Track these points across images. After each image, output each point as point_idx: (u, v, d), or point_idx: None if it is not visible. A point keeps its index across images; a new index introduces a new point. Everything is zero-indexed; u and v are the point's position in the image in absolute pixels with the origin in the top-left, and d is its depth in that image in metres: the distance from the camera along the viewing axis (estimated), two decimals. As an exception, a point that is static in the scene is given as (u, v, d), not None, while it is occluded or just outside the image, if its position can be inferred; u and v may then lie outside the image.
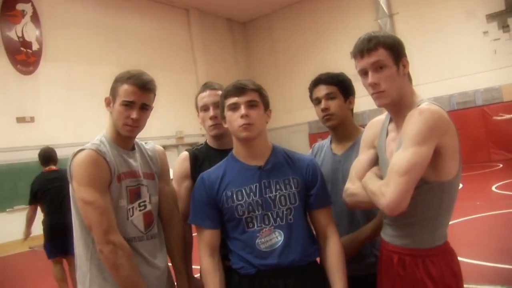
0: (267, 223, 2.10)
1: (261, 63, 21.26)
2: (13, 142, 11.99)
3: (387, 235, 2.12)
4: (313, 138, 17.37)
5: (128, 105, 2.19)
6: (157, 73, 16.67)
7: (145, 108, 2.25)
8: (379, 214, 2.34)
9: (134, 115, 2.19)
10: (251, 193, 2.12)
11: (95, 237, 2.09)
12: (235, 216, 2.12)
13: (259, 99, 2.17)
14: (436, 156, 1.84)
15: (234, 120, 2.12)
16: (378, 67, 1.92)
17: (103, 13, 15.42)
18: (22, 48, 12.99)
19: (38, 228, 6.02)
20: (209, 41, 19.53)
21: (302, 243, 2.11)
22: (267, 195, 2.12)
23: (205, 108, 2.60)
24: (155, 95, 2.32)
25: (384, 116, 2.20)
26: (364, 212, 2.42)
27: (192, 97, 2.60)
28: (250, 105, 2.12)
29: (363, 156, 2.21)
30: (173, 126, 16.89)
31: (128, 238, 2.20)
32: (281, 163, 2.21)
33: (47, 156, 5.97)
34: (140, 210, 2.29)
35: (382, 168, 2.08)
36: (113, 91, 2.24)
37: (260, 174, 2.15)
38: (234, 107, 2.12)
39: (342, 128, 2.55)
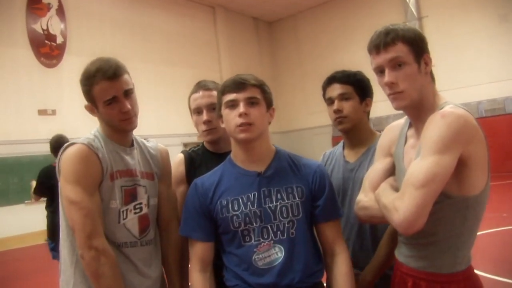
0: (266, 237, 1.86)
1: (286, 63, 21.10)
2: (34, 135, 12.02)
3: (402, 254, 1.87)
4: (336, 141, 17.03)
5: (112, 103, 1.98)
6: (181, 69, 16.81)
7: (128, 94, 2.02)
8: (388, 230, 2.10)
9: (124, 107, 1.98)
10: (249, 203, 1.89)
11: (77, 241, 1.89)
12: (230, 228, 1.89)
13: (261, 96, 1.93)
14: (461, 167, 1.59)
15: (232, 119, 1.89)
16: (396, 64, 1.69)
17: (129, 8, 15.41)
18: (46, 41, 13.04)
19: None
20: (234, 40, 19.43)
21: (304, 261, 1.86)
22: (267, 205, 1.88)
23: (198, 111, 2.38)
24: (128, 73, 2.06)
25: (403, 120, 1.96)
26: (373, 227, 2.20)
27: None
28: (250, 102, 1.89)
29: (378, 165, 1.97)
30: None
31: (118, 243, 2.02)
32: (284, 169, 1.97)
33: (57, 146, 5.52)
34: (135, 213, 2.08)
35: (399, 178, 1.83)
36: (89, 96, 2.02)
37: (259, 181, 1.92)
38: (232, 104, 1.89)
39: (355, 132, 2.33)
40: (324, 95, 2.38)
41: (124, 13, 15.20)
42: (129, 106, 1.99)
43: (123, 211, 2.04)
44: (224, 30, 19.08)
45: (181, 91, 15.61)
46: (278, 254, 1.84)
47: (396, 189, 1.78)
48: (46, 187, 5.61)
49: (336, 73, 2.34)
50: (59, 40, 13.33)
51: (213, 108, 2.25)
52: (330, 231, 1.96)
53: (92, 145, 1.97)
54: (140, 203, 2.10)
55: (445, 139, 1.56)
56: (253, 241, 1.86)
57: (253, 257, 1.85)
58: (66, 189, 1.91)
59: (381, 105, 2.40)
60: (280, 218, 1.87)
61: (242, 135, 1.87)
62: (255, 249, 1.85)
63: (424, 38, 1.75)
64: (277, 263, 1.83)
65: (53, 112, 12.81)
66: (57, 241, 5.59)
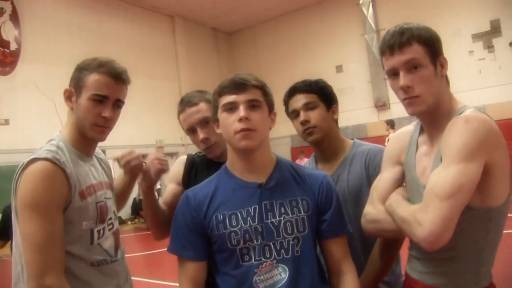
0: (268, 256, 1.66)
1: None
2: (-15, 145, 11.57)
3: (415, 271, 1.74)
4: (295, 152, 17.20)
5: (99, 100, 1.78)
6: (139, 79, 16.58)
7: (118, 105, 1.85)
8: (377, 244, 1.99)
9: (106, 113, 1.79)
10: (249, 218, 1.67)
11: (26, 279, 1.67)
12: (228, 246, 1.67)
13: (263, 99, 1.72)
14: (484, 176, 1.48)
15: (230, 124, 1.67)
16: (412, 66, 1.57)
17: (86, 16, 15.06)
18: (-1, 47, 12.56)
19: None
20: (193, 50, 19.28)
21: (311, 282, 1.68)
22: (269, 221, 1.68)
23: (192, 130, 2.20)
24: (127, 88, 1.91)
25: (412, 126, 1.84)
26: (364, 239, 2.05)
27: (174, 106, 2.31)
28: (252, 105, 1.68)
29: (387, 174, 1.83)
30: (153, 135, 16.49)
31: (96, 261, 1.82)
32: (287, 180, 1.77)
33: None
34: (109, 230, 1.91)
35: (410, 188, 1.72)
36: (77, 81, 1.81)
37: (260, 193, 1.71)
38: (231, 108, 1.68)
39: (327, 142, 2.21)
40: (286, 109, 2.26)
41: (81, 20, 14.83)
42: (111, 115, 1.82)
43: (98, 231, 1.84)
44: (183, 40, 18.92)
45: (139, 101, 15.53)
46: (281, 274, 1.65)
47: (408, 200, 1.69)
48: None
49: (297, 84, 2.23)
50: (13, 46, 12.83)
51: (207, 122, 2.13)
52: (337, 248, 1.77)
53: (58, 160, 1.70)
54: (111, 218, 1.94)
55: (470, 146, 1.45)
56: (253, 260, 1.66)
57: (254, 279, 1.64)
58: (21, 216, 1.67)
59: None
60: (284, 234, 1.67)
61: (242, 143, 1.65)
62: (256, 270, 1.65)
63: (439, 38, 1.65)
64: (280, 284, 1.64)
65: (6, 122, 12.24)
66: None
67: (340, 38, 17.93)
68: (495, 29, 15.02)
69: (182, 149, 16.52)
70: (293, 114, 2.23)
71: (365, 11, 17.27)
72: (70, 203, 1.73)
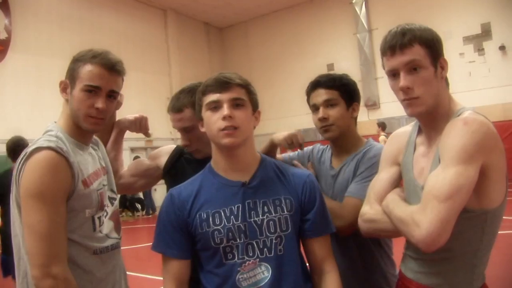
0: (251, 254, 1.68)
1: (236, 69, 20.28)
2: (-26, 135, 11.40)
3: (410, 270, 1.76)
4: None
5: (92, 91, 1.78)
6: (130, 72, 16.64)
7: (113, 96, 1.85)
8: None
9: (99, 104, 1.78)
10: (232, 216, 1.70)
11: (30, 269, 1.66)
12: (211, 245, 1.70)
13: (247, 97, 1.75)
14: (481, 178, 1.49)
15: (214, 122, 1.69)
16: (412, 67, 1.58)
17: (78, 5, 14.94)
18: (-12, 36, 12.41)
19: None
20: (184, 44, 19.21)
21: (294, 281, 1.70)
22: (252, 219, 1.70)
23: (179, 130, 2.24)
24: (123, 79, 1.92)
25: (410, 127, 1.86)
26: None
27: (164, 100, 2.33)
28: (235, 104, 1.70)
29: (384, 175, 1.84)
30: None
31: (101, 248, 1.83)
32: (271, 179, 1.79)
33: (15, 148, 4.76)
34: (105, 216, 1.91)
35: (407, 189, 1.73)
36: (72, 73, 1.81)
37: (244, 192, 1.73)
38: (215, 106, 1.70)
39: (342, 140, 2.21)
40: (308, 100, 2.26)
41: (73, 10, 14.71)
42: (104, 106, 1.80)
43: (99, 217, 1.85)
44: (175, 34, 18.85)
45: (129, 94, 15.28)
46: (264, 273, 1.67)
47: (405, 200, 1.69)
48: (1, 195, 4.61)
49: (321, 77, 2.21)
50: (3, 35, 12.70)
51: (188, 130, 2.16)
52: (320, 247, 1.79)
53: (61, 148, 1.70)
54: (106, 204, 1.94)
55: (469, 148, 1.46)
56: (236, 259, 1.68)
57: (237, 277, 1.67)
58: (25, 206, 1.66)
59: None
60: (267, 233, 1.69)
61: (225, 140, 1.67)
62: (238, 268, 1.67)
63: (440, 39, 1.66)
64: (263, 283, 1.66)
65: (-5, 112, 12.22)
66: (10, 253, 4.70)
67: (332, 37, 17.95)
68: (485, 32, 15.15)
69: (171, 143, 16.44)
70: (313, 108, 2.23)
71: (357, 10, 17.31)
72: (74, 191, 1.73)
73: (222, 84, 1.71)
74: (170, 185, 2.34)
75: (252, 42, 20.61)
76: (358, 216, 1.86)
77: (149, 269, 7.07)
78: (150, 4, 17.88)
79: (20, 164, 1.70)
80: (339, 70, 17.91)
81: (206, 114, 1.74)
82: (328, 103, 2.15)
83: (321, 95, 2.17)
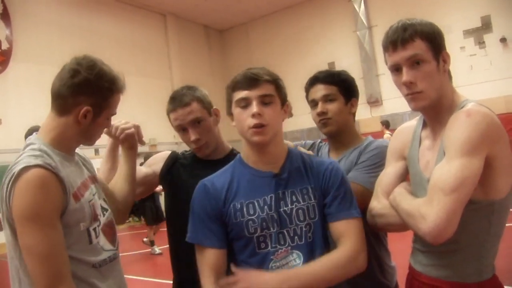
0: (282, 243, 1.71)
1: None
2: (-22, 145, 11.46)
3: (419, 263, 1.76)
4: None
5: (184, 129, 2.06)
6: (132, 78, 16.48)
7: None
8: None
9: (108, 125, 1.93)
10: (265, 206, 1.73)
11: None
12: (245, 234, 1.72)
13: (275, 93, 1.76)
14: (486, 169, 1.50)
15: (244, 119, 1.72)
16: (415, 62, 1.60)
17: (77, 14, 14.98)
18: (-10, 47, 12.47)
19: None
20: (185, 47, 19.24)
21: None
22: (282, 209, 1.73)
23: (182, 129, 2.23)
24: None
25: (414, 121, 1.87)
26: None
27: (166, 104, 2.32)
28: (264, 101, 1.72)
29: (391, 169, 1.86)
30: (145, 133, 16.06)
31: (99, 261, 1.78)
32: (298, 169, 1.81)
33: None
34: (98, 226, 1.84)
35: (413, 182, 1.75)
36: (99, 101, 1.85)
37: (276, 182, 1.77)
38: (245, 104, 1.73)
39: (341, 135, 2.24)
40: (307, 96, 2.28)
41: (72, 18, 14.75)
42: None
43: (94, 229, 1.80)
44: (175, 38, 18.88)
45: (131, 99, 15.42)
46: (296, 260, 1.70)
47: (411, 194, 1.70)
48: None
49: (319, 73, 2.24)
50: (4, 46, 12.77)
51: (198, 122, 2.17)
52: (342, 231, 1.73)
53: (50, 165, 1.63)
54: (99, 214, 1.87)
55: (473, 140, 1.47)
56: (269, 247, 1.71)
57: (270, 265, 1.69)
58: (21, 229, 1.58)
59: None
60: (297, 221, 1.73)
61: (255, 138, 1.71)
62: (272, 257, 1.70)
63: (442, 33, 1.67)
64: None
65: (-1, 121, 12.28)
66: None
67: (332, 35, 17.93)
68: (486, 25, 15.08)
69: (175, 147, 16.50)
70: (311, 103, 2.26)
71: (356, 8, 17.28)
72: (66, 207, 1.68)
73: (251, 81, 1.73)
74: (167, 190, 2.38)
75: (253, 43, 20.61)
76: (367, 211, 1.86)
77: (156, 273, 7.09)
78: (150, 10, 17.90)
79: (9, 185, 1.61)
80: (340, 68, 17.69)
81: (236, 111, 1.77)
82: (327, 98, 2.19)
83: (320, 90, 2.20)
